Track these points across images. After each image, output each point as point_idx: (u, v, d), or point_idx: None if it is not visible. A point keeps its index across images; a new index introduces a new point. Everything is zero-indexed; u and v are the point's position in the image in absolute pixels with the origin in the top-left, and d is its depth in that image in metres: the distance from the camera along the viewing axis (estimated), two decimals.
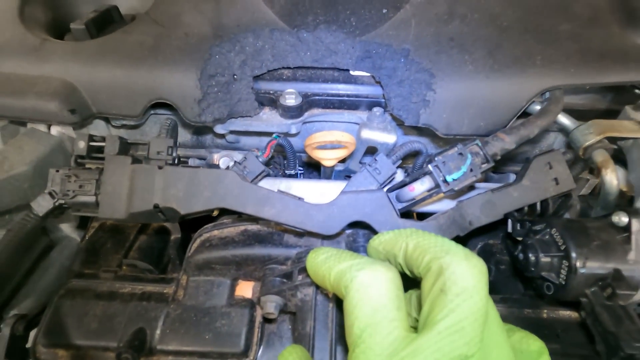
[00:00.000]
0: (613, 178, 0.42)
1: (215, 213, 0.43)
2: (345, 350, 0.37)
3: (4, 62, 0.47)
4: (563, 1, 0.49)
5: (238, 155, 0.54)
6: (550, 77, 0.44)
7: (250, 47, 0.48)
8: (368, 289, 0.29)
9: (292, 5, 0.51)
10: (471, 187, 0.49)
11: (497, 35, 0.47)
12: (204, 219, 0.46)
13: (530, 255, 0.40)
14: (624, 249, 0.36)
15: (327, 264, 0.33)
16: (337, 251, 0.34)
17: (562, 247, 0.38)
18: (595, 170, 0.44)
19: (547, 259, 0.38)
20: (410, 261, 0.31)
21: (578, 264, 0.36)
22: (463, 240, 0.45)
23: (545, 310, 0.43)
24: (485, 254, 0.54)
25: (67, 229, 0.58)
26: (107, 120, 0.55)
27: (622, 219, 0.36)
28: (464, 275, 0.26)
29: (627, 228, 0.36)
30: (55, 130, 0.51)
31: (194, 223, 0.51)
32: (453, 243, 0.29)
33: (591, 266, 0.36)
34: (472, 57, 0.45)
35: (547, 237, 0.39)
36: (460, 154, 0.41)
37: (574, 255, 0.37)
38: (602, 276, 0.36)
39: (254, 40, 0.49)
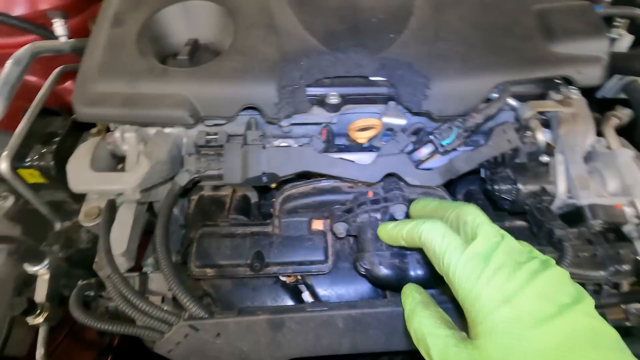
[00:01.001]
0: (541, 137, 0.67)
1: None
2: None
3: (138, 85, 0.68)
4: (508, 25, 0.75)
5: (291, 141, 0.77)
6: (501, 75, 0.69)
7: (305, 65, 0.72)
8: (433, 227, 0.40)
9: (330, 36, 0.74)
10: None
11: (467, 50, 0.72)
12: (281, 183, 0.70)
13: (495, 186, 0.65)
14: (547, 175, 0.62)
15: (396, 228, 0.46)
16: (398, 222, 0.47)
17: (513, 179, 0.63)
18: (531, 132, 0.69)
19: (505, 186, 0.64)
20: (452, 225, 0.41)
21: (520, 186, 0.62)
22: (453, 184, 0.70)
23: (507, 222, 0.69)
24: (468, 196, 0.80)
25: None
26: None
27: (544, 158, 0.62)
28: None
29: (547, 164, 0.62)
30: (169, 130, 0.73)
31: (264, 190, 0.74)
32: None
33: (528, 187, 0.62)
34: (452, 65, 0.70)
35: (504, 174, 0.65)
36: (449, 127, 0.67)
37: (519, 183, 0.63)
38: (535, 192, 0.62)
39: (306, 60, 0.72)
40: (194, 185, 0.73)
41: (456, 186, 0.82)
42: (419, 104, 0.70)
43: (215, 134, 0.67)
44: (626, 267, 0.57)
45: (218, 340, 0.51)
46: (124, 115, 0.68)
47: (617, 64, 0.72)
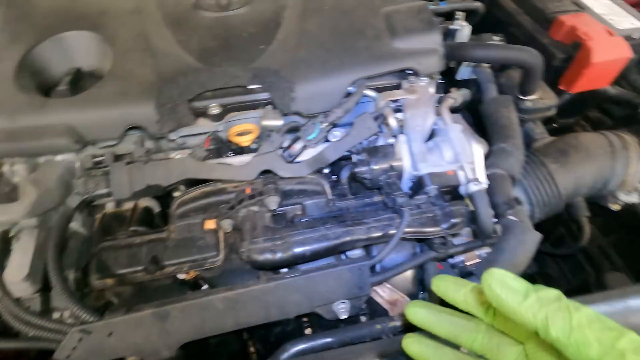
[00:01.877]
0: (393, 122, 0.79)
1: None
2: None
3: (19, 119, 0.72)
4: (361, 28, 0.86)
5: (188, 151, 0.84)
6: (356, 72, 0.80)
7: (184, 82, 0.79)
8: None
9: (206, 52, 0.82)
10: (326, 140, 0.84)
11: (325, 54, 0.82)
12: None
13: (355, 169, 0.76)
14: (394, 154, 0.74)
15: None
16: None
17: (368, 160, 0.75)
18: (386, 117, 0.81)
19: (363, 168, 0.75)
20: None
21: (373, 166, 0.73)
22: (339, 168, 0.82)
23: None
24: (352, 177, 0.91)
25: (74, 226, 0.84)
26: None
27: (390, 140, 0.75)
28: None
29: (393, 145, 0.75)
30: (60, 157, 0.77)
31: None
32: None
33: (380, 166, 0.73)
34: (313, 69, 0.80)
35: (361, 157, 0.76)
36: (313, 123, 0.77)
37: (372, 164, 0.74)
38: (385, 169, 0.73)
39: (184, 78, 0.79)
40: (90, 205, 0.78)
41: (341, 169, 0.93)
42: (288, 105, 0.79)
43: (102, 155, 0.73)
44: (458, 219, 0.70)
45: (112, 338, 0.57)
46: (8, 149, 0.71)
47: (451, 53, 0.85)
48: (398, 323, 0.67)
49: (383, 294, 0.78)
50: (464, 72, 1.00)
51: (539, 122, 0.95)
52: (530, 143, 0.93)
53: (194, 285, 0.74)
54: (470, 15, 1.04)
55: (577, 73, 0.98)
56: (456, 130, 0.76)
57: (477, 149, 0.76)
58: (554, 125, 1.13)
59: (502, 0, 1.18)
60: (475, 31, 0.98)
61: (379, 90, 0.85)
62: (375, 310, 0.77)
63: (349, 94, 0.81)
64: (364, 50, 0.83)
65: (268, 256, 0.65)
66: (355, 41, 0.84)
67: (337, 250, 0.69)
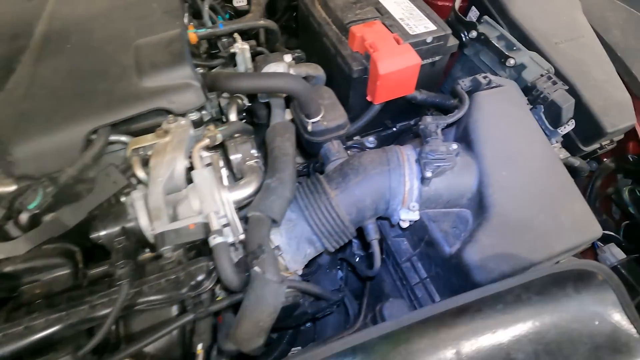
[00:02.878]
0: (141, 174, 0.71)
1: None
2: None
3: None
4: (105, 68, 0.77)
5: None
6: (92, 121, 0.71)
7: None
8: None
9: None
10: None
11: (55, 104, 0.72)
12: None
13: (92, 234, 0.68)
14: (125, 214, 0.66)
15: None
16: None
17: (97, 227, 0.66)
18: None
19: (94, 235, 0.67)
20: None
21: (102, 231, 0.65)
22: None
23: None
24: None
25: None
26: None
27: (122, 198, 0.67)
28: None
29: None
30: None
31: None
32: None
33: (109, 230, 0.65)
34: (36, 124, 0.69)
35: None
36: (34, 190, 0.67)
37: (101, 228, 0.66)
38: (117, 233, 0.65)
39: None
40: None
41: None
42: (10, 170, 0.69)
43: None
44: (202, 277, 0.63)
45: None
46: None
47: (213, 85, 0.78)
48: None
49: None
50: (261, 95, 0.94)
51: (335, 142, 0.90)
52: (325, 167, 0.88)
53: None
54: (270, 33, 0.98)
55: (373, 84, 0.94)
56: (201, 175, 0.69)
57: (227, 195, 0.69)
58: None
59: (314, 10, 1.12)
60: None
61: (137, 134, 0.76)
62: None
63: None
64: (103, 94, 0.73)
65: None
66: (95, 84, 0.74)
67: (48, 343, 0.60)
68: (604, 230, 1.10)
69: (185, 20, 0.92)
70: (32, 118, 0.70)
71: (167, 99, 0.74)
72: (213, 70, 0.81)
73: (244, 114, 1.00)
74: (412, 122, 1.25)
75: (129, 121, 0.75)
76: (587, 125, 0.98)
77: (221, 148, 0.83)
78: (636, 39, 1.07)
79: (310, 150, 0.95)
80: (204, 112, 0.92)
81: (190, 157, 0.72)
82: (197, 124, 0.81)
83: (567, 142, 1.04)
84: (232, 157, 0.88)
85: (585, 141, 1.02)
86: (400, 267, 0.92)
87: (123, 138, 0.76)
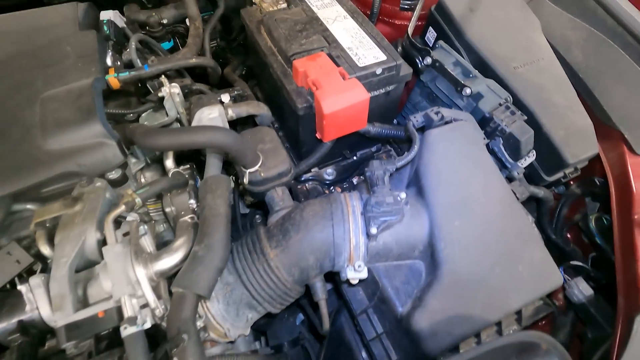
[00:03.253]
0: (46, 251, 0.62)
1: None
2: None
3: None
4: (6, 127, 0.67)
5: None
6: None
7: None
8: None
9: None
10: None
11: None
12: None
13: None
14: (22, 305, 0.58)
15: None
16: None
17: None
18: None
19: None
20: None
21: None
22: None
23: None
24: None
25: None
26: None
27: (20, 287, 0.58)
28: None
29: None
30: None
31: None
32: None
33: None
34: None
35: None
36: None
37: None
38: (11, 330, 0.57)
39: None
40: None
41: None
42: None
43: None
44: None
45: None
46: None
47: (131, 141, 0.69)
48: None
49: None
50: None
51: (279, 189, 0.83)
52: (268, 218, 0.81)
53: None
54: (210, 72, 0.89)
55: (321, 123, 0.87)
56: (112, 253, 0.61)
57: (144, 272, 0.61)
58: None
59: (259, 38, 1.04)
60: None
61: (48, 199, 0.68)
62: None
63: None
64: (1, 158, 0.65)
65: None
66: None
67: None
68: (572, 261, 1.07)
69: (109, 61, 0.83)
70: None
71: (75, 162, 0.66)
72: (132, 124, 0.73)
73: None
74: (373, 149, 1.20)
75: (35, 187, 0.66)
76: (549, 155, 0.93)
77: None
78: (597, 59, 1.02)
79: (255, 198, 0.88)
80: (133, 161, 0.84)
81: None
82: (118, 182, 0.73)
83: (530, 171, 0.99)
84: (167, 210, 0.81)
85: (548, 171, 0.96)
86: (356, 319, 0.86)
87: (29, 206, 0.67)
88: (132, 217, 0.68)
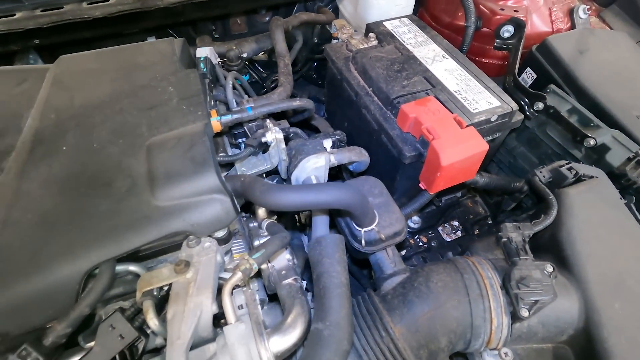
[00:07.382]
0: (154, 323, 0.54)
1: None
2: None
3: None
4: (110, 178, 0.60)
5: None
6: (90, 257, 0.54)
7: None
8: None
9: None
10: None
11: (46, 233, 0.55)
12: None
13: None
14: None
15: None
16: None
17: None
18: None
19: None
20: None
21: None
22: None
23: None
24: None
25: None
26: None
27: None
28: None
29: None
30: None
31: None
32: None
33: None
34: (15, 266, 0.53)
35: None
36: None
37: None
38: None
39: None
40: None
41: None
42: None
43: None
44: None
45: None
46: None
47: (248, 198, 0.62)
48: None
49: None
50: None
51: (389, 250, 0.73)
52: (379, 282, 0.71)
53: None
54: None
55: (432, 174, 0.78)
56: (236, 333, 0.52)
57: (266, 356, 0.52)
58: None
59: (349, 76, 0.97)
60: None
61: (148, 257, 0.60)
62: None
63: None
64: (106, 217, 0.57)
65: None
66: (96, 203, 0.58)
67: None
68: None
69: (211, 103, 0.77)
70: (11, 256, 0.53)
71: (187, 220, 0.58)
72: (245, 177, 0.65)
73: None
74: (458, 195, 1.10)
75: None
76: None
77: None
78: None
79: (357, 257, 0.78)
80: None
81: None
82: (223, 240, 0.65)
83: None
84: (262, 267, 0.72)
85: None
86: None
87: (131, 267, 0.59)
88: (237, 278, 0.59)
